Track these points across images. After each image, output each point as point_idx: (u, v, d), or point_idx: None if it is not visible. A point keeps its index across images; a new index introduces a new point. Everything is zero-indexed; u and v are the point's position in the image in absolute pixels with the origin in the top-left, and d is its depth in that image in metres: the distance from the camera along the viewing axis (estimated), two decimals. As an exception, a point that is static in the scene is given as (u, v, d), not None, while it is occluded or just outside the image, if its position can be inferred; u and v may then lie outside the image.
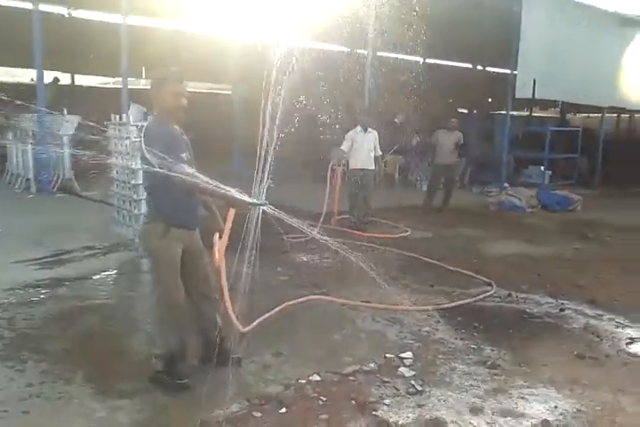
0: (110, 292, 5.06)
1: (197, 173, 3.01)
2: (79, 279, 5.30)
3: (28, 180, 10.81)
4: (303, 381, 3.40)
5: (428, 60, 19.55)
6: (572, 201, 10.96)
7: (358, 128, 8.18)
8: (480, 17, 12.51)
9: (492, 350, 4.07)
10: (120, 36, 9.05)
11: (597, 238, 8.38)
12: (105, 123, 7.28)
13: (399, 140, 14.83)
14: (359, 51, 15.15)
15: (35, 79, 12.45)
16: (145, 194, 3.88)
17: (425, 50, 17.47)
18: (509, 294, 5.43)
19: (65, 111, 11.52)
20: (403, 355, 3.85)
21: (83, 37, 15.44)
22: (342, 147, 8.18)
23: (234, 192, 2.90)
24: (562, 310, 5.04)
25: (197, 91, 21.17)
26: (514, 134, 15.25)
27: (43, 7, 15.97)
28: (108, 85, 22.82)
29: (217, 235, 3.17)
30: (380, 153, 8.37)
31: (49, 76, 17.13)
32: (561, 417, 3.15)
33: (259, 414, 3.02)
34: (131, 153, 6.63)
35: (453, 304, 5.00)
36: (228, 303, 3.72)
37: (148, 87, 3.27)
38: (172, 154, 3.04)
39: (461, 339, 4.27)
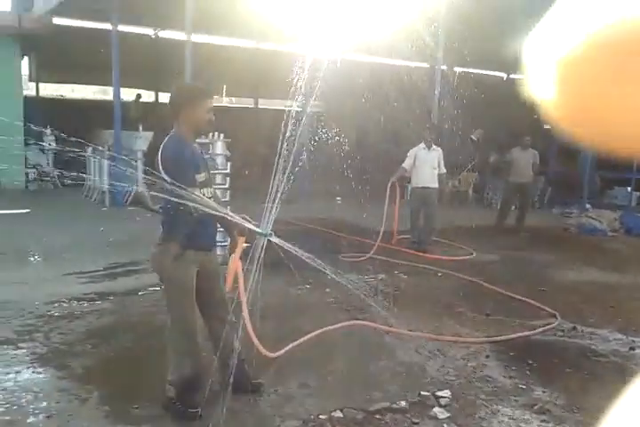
0: (152, 309, 5.02)
1: (207, 200, 2.90)
2: (125, 295, 5.31)
3: (103, 192, 11.24)
4: (324, 417, 3.16)
5: (511, 76, 18.92)
6: (660, 225, 10.08)
7: (422, 145, 7.88)
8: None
9: (544, 392, 3.66)
10: (193, 54, 9.22)
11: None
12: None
13: (475, 158, 14.34)
14: (434, 66, 14.85)
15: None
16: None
17: (506, 65, 16.94)
18: (574, 328, 4.94)
19: (140, 128, 11.95)
20: (440, 393, 3.51)
21: (167, 56, 16.03)
22: (404, 164, 7.90)
23: (240, 220, 2.78)
24: (632, 348, 4.51)
25: (267, 107, 21.53)
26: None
27: (135, 29, 16.96)
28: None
29: (232, 259, 3.04)
30: (445, 171, 8.01)
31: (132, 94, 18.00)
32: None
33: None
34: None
35: (508, 337, 4.58)
36: (250, 327, 3.57)
37: (170, 103, 3.19)
38: (188, 175, 2.95)
39: (510, 377, 3.87)
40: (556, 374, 3.96)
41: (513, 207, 9.95)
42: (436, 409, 3.33)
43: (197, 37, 18.66)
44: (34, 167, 13.73)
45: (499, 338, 4.55)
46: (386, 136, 14.65)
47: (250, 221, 2.97)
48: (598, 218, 10.22)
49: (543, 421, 3.27)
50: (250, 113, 21.23)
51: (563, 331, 4.89)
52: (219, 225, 3.39)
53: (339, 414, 3.19)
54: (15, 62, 14.19)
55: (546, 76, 0.22)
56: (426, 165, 7.81)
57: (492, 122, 15.18)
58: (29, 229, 8.45)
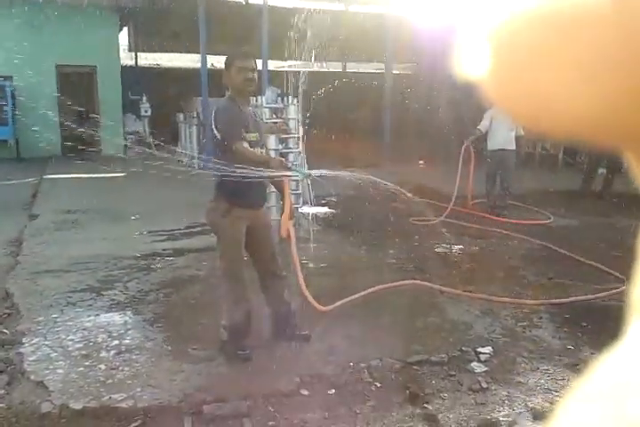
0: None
1: (252, 151, 3.15)
2: (199, 251, 5.72)
3: (192, 158, 11.85)
4: (363, 364, 3.36)
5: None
6: None
7: (499, 106, 7.66)
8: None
9: (592, 354, 3.64)
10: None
11: None
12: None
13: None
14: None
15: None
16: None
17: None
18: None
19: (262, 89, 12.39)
20: (481, 349, 3.61)
21: (258, 22, 16.36)
22: (480, 126, 7.75)
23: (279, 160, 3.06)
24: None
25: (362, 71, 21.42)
26: None
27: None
28: (282, 69, 23.95)
29: (285, 211, 3.29)
30: (522, 133, 7.77)
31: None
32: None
33: (306, 392, 3.06)
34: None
35: (564, 300, 4.54)
36: (302, 281, 3.80)
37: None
38: (235, 130, 3.19)
39: (560, 338, 3.88)
40: (609, 337, 3.90)
41: (601, 171, 9.49)
42: (474, 364, 3.44)
43: (285, 2, 18.82)
44: (130, 134, 14.61)
45: (555, 301, 4.52)
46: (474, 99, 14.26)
47: (292, 166, 3.20)
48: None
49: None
50: (337, 77, 21.23)
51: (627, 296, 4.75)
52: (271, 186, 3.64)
53: (377, 362, 3.38)
54: (113, 33, 14.99)
55: (478, 50, 0.21)
56: (502, 127, 7.61)
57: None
58: (122, 191, 9.14)
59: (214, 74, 12.88)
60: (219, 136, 3.24)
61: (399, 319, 4.09)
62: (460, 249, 6.18)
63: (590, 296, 4.64)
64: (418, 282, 4.81)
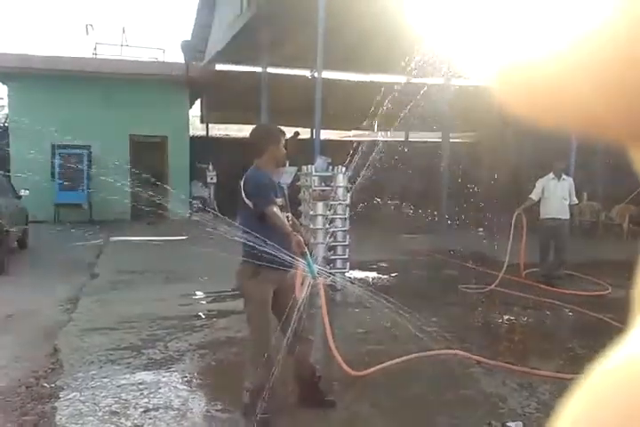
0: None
1: (282, 217, 3.29)
2: (243, 312, 5.82)
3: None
4: (384, 434, 3.29)
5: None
6: None
7: (551, 175, 7.62)
8: None
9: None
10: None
11: None
12: (297, 173, 8.01)
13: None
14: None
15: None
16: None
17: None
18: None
19: (287, 163, 12.87)
20: (510, 424, 3.46)
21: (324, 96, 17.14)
22: (532, 195, 7.69)
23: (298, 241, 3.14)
24: None
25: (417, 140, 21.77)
26: None
27: (290, 71, 18.33)
28: (346, 138, 24.76)
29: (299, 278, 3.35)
30: (576, 202, 7.64)
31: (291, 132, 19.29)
32: None
33: (321, 461, 3.02)
34: (310, 200, 7.16)
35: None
36: (331, 341, 3.83)
37: (255, 139, 3.64)
38: (268, 195, 3.38)
39: (600, 417, 3.66)
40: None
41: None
42: (502, 439, 3.30)
43: (345, 75, 19.60)
44: (196, 199, 15.29)
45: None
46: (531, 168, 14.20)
47: (307, 254, 3.28)
48: None
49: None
50: (398, 146, 21.64)
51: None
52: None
53: (399, 433, 3.31)
54: (183, 105, 16.06)
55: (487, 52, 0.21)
56: (555, 196, 7.53)
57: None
58: (181, 254, 9.49)
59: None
60: (250, 203, 3.41)
61: (431, 390, 4.00)
62: (506, 319, 6.01)
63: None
64: (455, 352, 4.70)
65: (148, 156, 15.55)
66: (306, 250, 3.29)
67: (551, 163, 7.71)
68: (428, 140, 21.27)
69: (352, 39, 13.33)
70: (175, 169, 15.50)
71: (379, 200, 16.28)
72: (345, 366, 3.98)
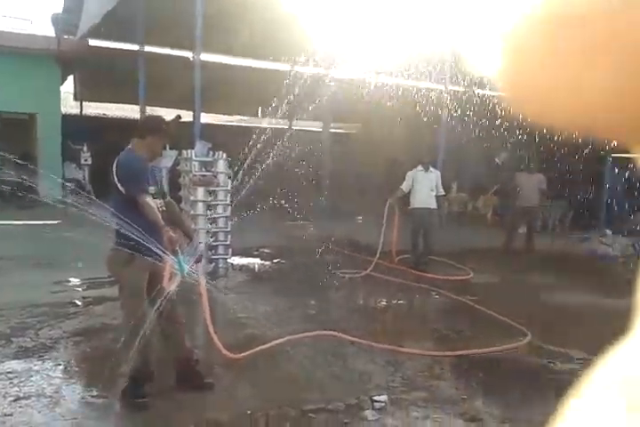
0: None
1: (154, 208, 3.28)
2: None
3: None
4: (260, 413, 3.43)
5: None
6: (674, 252, 9.96)
7: (419, 167, 8.14)
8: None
9: (483, 403, 3.83)
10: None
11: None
12: (177, 157, 7.89)
13: (499, 181, 14.45)
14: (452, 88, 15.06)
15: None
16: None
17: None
18: (540, 347, 5.07)
19: (167, 146, 12.57)
20: (377, 398, 3.75)
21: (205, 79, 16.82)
22: (402, 186, 8.17)
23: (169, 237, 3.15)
24: (591, 368, 4.61)
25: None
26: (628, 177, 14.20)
27: (171, 51, 17.78)
28: (231, 123, 24.50)
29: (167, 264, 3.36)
30: (442, 193, 8.23)
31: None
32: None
33: (198, 439, 3.11)
34: (190, 185, 7.10)
35: (465, 352, 4.76)
36: (210, 325, 3.90)
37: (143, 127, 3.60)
38: (140, 184, 3.35)
39: (456, 388, 4.06)
40: (503, 388, 4.13)
41: (522, 230, 10.03)
42: (368, 411, 3.56)
43: (237, 60, 19.35)
44: (70, 181, 14.49)
45: (457, 353, 4.73)
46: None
47: (177, 253, 3.30)
48: (611, 244, 10.17)
49: (470, 428, 3.46)
50: (281, 133, 21.80)
51: (529, 349, 5.02)
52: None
53: (274, 411, 3.47)
54: (55, 82, 15.12)
55: (490, 53, 0.21)
56: (423, 187, 8.05)
57: (519, 145, 15.25)
58: (54, 238, 9.02)
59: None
60: (121, 187, 3.38)
61: (304, 368, 4.21)
62: (379, 302, 6.38)
63: (491, 349, 4.87)
64: (327, 333, 4.95)
65: (14, 134, 14.48)
66: (177, 248, 3.29)
67: (420, 156, 8.23)
68: (312, 129, 21.59)
69: (234, 23, 13.22)
70: (45, 149, 14.57)
71: (262, 187, 16.35)
72: (224, 350, 4.08)
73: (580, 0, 0.19)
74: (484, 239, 10.79)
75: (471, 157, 16.20)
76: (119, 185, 3.37)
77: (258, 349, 4.36)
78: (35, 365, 3.99)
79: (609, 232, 11.94)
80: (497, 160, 15.54)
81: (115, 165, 3.43)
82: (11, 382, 3.66)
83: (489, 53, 0.22)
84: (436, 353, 4.71)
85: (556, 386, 4.24)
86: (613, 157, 17.36)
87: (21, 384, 3.65)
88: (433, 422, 3.51)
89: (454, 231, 11.58)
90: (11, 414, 3.24)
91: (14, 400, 3.42)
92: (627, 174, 14.55)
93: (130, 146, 3.55)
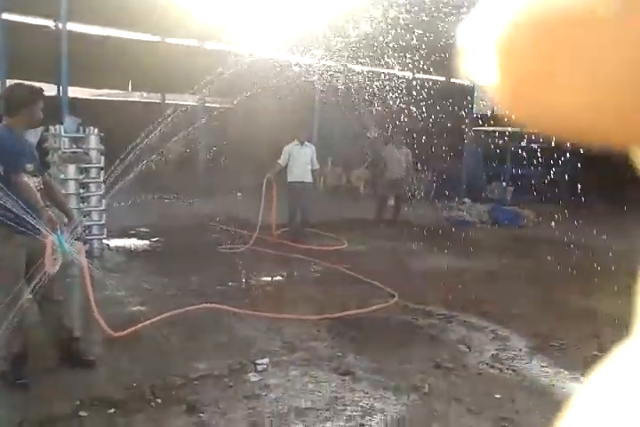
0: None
1: (31, 188, 3.24)
2: None
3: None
4: (146, 384, 3.55)
5: (401, 73, 19.78)
6: (522, 217, 11.09)
7: (295, 142, 8.40)
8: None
9: (355, 358, 4.20)
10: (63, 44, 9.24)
11: (533, 255, 8.47)
12: (43, 133, 7.52)
13: (370, 155, 15.12)
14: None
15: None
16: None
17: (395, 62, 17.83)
18: (406, 306, 5.57)
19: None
20: (259, 361, 3.99)
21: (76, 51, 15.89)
22: (279, 160, 8.39)
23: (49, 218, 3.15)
24: (449, 322, 5.18)
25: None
26: (484, 150, 15.43)
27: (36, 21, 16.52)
28: (98, 97, 23.30)
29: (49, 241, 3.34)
30: (317, 167, 8.57)
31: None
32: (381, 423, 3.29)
33: (85, 414, 3.17)
34: (58, 164, 6.83)
35: (339, 314, 5.14)
36: (94, 307, 3.92)
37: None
38: (15, 162, 3.29)
39: (331, 347, 4.41)
40: (373, 344, 4.54)
41: (390, 202, 10.67)
42: (252, 374, 3.80)
43: (103, 30, 18.34)
44: None
45: (331, 315, 5.09)
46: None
47: (57, 232, 3.30)
48: (469, 211, 11.13)
49: (344, 381, 3.81)
50: (155, 108, 21.15)
51: (397, 309, 5.51)
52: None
53: (160, 381, 3.60)
54: None
55: (483, 58, 0.21)
56: (299, 161, 8.33)
57: (390, 119, 15.97)
58: None
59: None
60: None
61: (189, 340, 4.35)
62: (258, 274, 6.61)
63: (358, 311, 5.29)
64: (209, 305, 5.11)
65: None
66: (57, 227, 3.29)
67: (296, 131, 8.49)
68: (186, 103, 21.11)
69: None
70: None
71: (138, 163, 15.87)
72: (106, 328, 4.12)
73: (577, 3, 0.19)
74: (356, 211, 11.35)
75: (345, 132, 16.76)
76: None
77: (139, 326, 4.43)
78: None
79: (468, 201, 13.03)
80: (368, 135, 16.23)
81: None
82: None
83: (485, 58, 0.22)
84: (314, 317, 5.03)
85: (419, 339, 4.74)
86: (474, 132, 18.78)
87: None
88: (310, 377, 3.81)
89: (329, 205, 12.06)
90: None
91: None
92: (483, 148, 15.85)
93: (5, 122, 3.44)
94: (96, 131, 7.05)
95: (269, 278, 6.57)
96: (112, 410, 3.23)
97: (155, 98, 23.26)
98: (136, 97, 24.34)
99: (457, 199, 13.46)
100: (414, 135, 11.90)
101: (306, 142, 8.45)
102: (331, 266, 7.07)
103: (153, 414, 3.22)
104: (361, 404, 3.50)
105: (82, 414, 3.17)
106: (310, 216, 8.69)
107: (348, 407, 3.44)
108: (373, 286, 6.25)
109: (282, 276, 6.74)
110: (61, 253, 3.29)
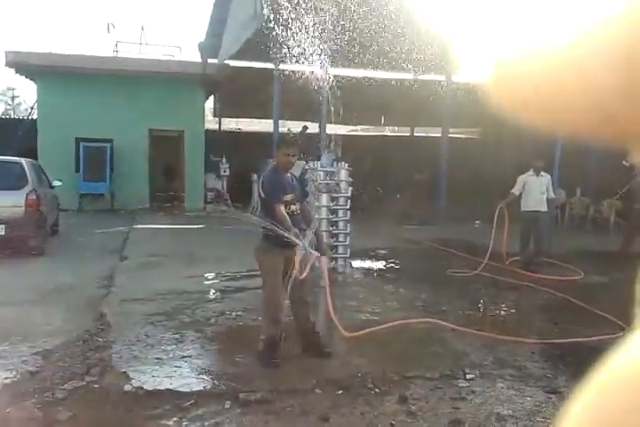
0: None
1: (285, 215, 4.22)
2: (255, 289, 6.78)
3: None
4: (369, 375, 4.23)
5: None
6: None
7: (530, 172, 8.51)
8: None
9: (566, 380, 4.34)
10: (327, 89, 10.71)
11: None
12: (304, 167, 8.93)
13: (627, 184, 14.13)
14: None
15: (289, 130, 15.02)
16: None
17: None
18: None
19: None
20: (468, 371, 4.39)
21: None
22: (513, 190, 8.58)
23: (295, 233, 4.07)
24: None
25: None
26: None
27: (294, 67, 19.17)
28: (355, 133, 25.61)
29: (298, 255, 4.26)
30: (553, 196, 8.53)
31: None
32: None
33: (319, 391, 3.97)
34: (314, 193, 8.07)
35: (558, 341, 5.22)
36: (331, 309, 4.77)
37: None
38: (276, 194, 4.31)
39: (542, 368, 4.59)
40: (588, 371, 4.57)
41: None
42: (460, 380, 4.23)
43: (335, 71, 20.30)
44: (210, 190, 16.26)
45: (548, 341, 5.21)
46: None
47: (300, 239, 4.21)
48: None
49: (549, 398, 4.01)
50: (404, 140, 22.49)
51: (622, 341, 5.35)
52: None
53: (380, 374, 4.25)
54: (200, 102, 17.01)
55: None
56: (534, 191, 8.42)
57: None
58: (199, 240, 10.48)
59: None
60: (264, 196, 4.36)
61: (408, 346, 4.95)
62: (483, 297, 6.93)
63: (580, 339, 5.29)
64: (431, 320, 5.63)
65: (166, 149, 16.53)
66: (300, 237, 4.21)
67: (532, 161, 8.60)
68: (432, 135, 22.06)
69: (362, 38, 14.14)
70: (191, 162, 16.47)
71: (379, 192, 17.21)
72: (341, 329, 4.92)
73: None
74: (604, 243, 10.79)
75: (596, 160, 15.87)
76: (262, 193, 4.36)
77: (369, 329, 5.16)
78: (190, 335, 5.10)
79: None
80: (625, 162, 15.13)
81: (261, 178, 4.44)
82: (176, 346, 4.77)
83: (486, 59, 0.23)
84: (530, 340, 5.22)
85: None
86: None
87: (185, 348, 4.74)
88: (516, 391, 4.10)
89: (575, 235, 11.66)
90: (180, 367, 4.31)
91: (181, 358, 4.50)
92: None
93: (273, 160, 4.55)
94: (346, 165, 8.16)
95: (493, 302, 6.84)
96: (340, 391, 3.97)
97: (404, 131, 24.70)
98: (387, 131, 26.14)
99: None
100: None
101: (542, 172, 8.51)
102: (560, 295, 7.04)
103: (371, 400, 3.87)
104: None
105: (317, 391, 3.96)
106: (544, 245, 8.67)
107: (549, 420, 3.66)
108: (603, 317, 6.10)
109: (506, 300, 6.94)
110: (304, 249, 4.17)
